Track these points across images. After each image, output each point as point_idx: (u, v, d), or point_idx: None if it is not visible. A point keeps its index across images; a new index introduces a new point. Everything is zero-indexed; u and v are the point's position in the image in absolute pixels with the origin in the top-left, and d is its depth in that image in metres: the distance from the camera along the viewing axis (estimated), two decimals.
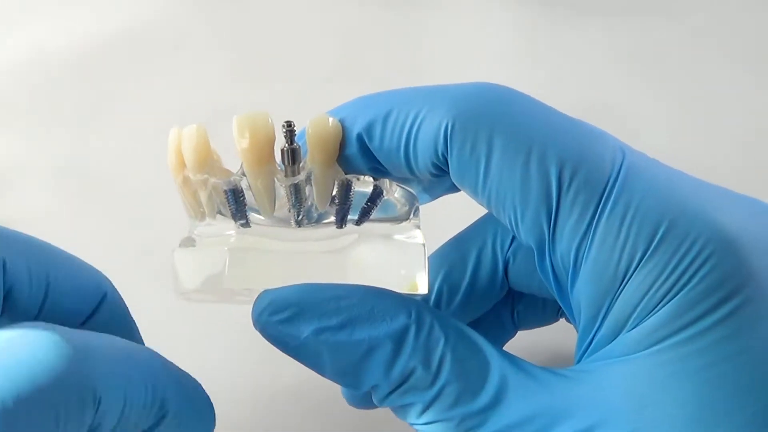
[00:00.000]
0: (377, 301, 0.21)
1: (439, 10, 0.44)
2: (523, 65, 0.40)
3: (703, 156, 0.37)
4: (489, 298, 0.27)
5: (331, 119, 0.23)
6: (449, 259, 0.27)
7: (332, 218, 0.24)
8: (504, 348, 0.28)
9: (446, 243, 0.28)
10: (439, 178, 0.23)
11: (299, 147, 0.22)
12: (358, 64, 0.42)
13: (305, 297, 0.21)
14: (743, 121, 0.38)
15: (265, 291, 0.22)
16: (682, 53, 0.40)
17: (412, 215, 0.24)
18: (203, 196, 0.23)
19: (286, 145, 0.22)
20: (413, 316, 0.21)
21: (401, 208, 0.24)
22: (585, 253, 0.20)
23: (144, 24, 0.46)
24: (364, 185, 0.24)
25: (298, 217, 0.23)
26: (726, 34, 0.41)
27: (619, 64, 0.41)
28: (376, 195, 0.24)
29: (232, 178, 0.23)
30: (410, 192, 0.24)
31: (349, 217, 0.24)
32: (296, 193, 0.23)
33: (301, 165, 0.23)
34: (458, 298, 0.27)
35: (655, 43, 0.42)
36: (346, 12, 0.44)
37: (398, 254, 0.23)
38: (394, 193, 0.24)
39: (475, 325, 0.27)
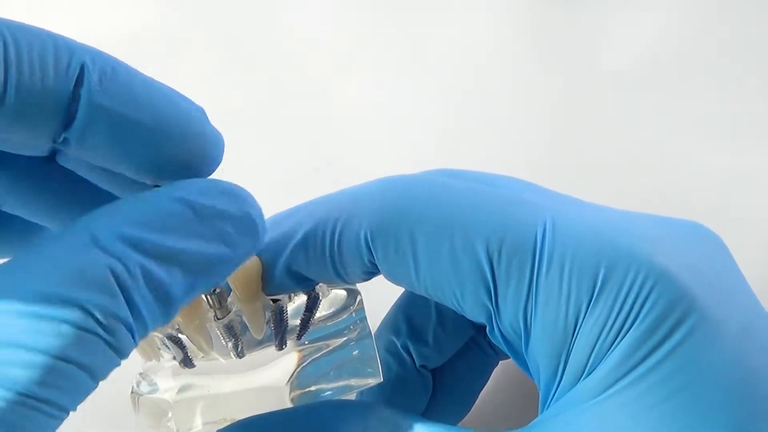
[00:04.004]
0: (317, 418, 0.21)
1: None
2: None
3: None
4: (461, 331, 0.27)
5: None
6: (413, 302, 0.27)
7: (273, 342, 0.23)
8: (494, 366, 0.29)
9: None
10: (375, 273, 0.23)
11: (223, 289, 0.22)
12: (359, 60, 0.40)
13: (250, 429, 0.21)
14: None
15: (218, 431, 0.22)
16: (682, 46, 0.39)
17: (354, 308, 0.24)
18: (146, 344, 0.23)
19: (209, 290, 0.22)
20: (359, 423, 0.21)
21: (342, 305, 0.24)
22: (532, 315, 0.21)
23: (139, 28, 0.43)
24: (297, 298, 0.23)
25: (237, 350, 0.23)
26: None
27: None
28: (313, 303, 0.23)
29: (167, 330, 0.22)
30: (349, 287, 0.24)
31: (292, 324, 0.23)
32: (229, 331, 0.22)
33: (228, 303, 0.22)
34: (429, 337, 0.27)
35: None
36: (346, 10, 0.42)
37: (347, 360, 0.23)
38: (331, 293, 0.24)
39: (457, 356, 0.28)
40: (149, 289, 0.16)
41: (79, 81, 0.16)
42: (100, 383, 0.16)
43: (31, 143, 0.17)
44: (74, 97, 0.16)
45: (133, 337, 0.16)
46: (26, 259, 0.16)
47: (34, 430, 0.15)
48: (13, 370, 0.15)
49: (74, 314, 0.15)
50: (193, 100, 0.19)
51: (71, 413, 0.16)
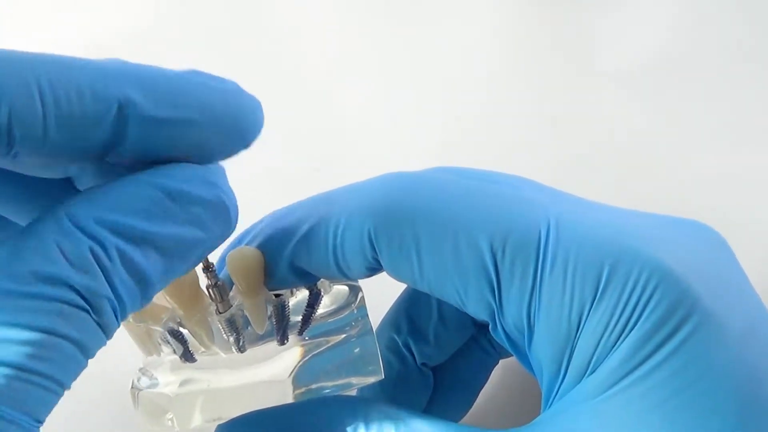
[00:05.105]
0: (318, 414, 0.22)
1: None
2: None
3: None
4: (462, 329, 0.27)
5: (250, 250, 0.22)
6: (414, 300, 0.27)
7: (275, 337, 0.23)
8: (495, 365, 0.29)
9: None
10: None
11: (224, 283, 0.22)
12: (359, 60, 0.40)
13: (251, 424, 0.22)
14: None
15: (218, 426, 0.22)
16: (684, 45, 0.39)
17: (356, 305, 0.24)
18: (147, 338, 0.23)
19: (211, 284, 0.22)
20: (361, 419, 0.21)
21: (344, 302, 0.24)
22: (536, 313, 0.21)
23: (139, 28, 0.43)
24: (299, 293, 0.23)
25: (238, 344, 0.23)
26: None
27: None
28: (314, 299, 0.23)
29: (168, 323, 0.22)
30: (351, 284, 0.24)
31: (294, 320, 0.23)
32: (231, 325, 0.22)
33: (230, 297, 0.22)
34: (430, 335, 0.27)
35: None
36: (346, 10, 0.42)
37: (348, 356, 0.23)
38: (333, 289, 0.24)
39: (458, 355, 0.28)
40: (127, 271, 0.17)
41: (125, 103, 0.17)
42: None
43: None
44: (121, 116, 0.17)
45: (116, 317, 0.17)
46: (12, 245, 0.16)
47: (34, 404, 0.15)
48: (8, 347, 0.15)
49: (61, 291, 0.16)
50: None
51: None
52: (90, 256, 0.16)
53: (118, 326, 0.17)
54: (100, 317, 0.16)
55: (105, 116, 0.16)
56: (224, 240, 0.19)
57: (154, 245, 0.17)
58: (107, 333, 0.17)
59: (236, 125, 0.18)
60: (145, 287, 0.17)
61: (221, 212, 0.18)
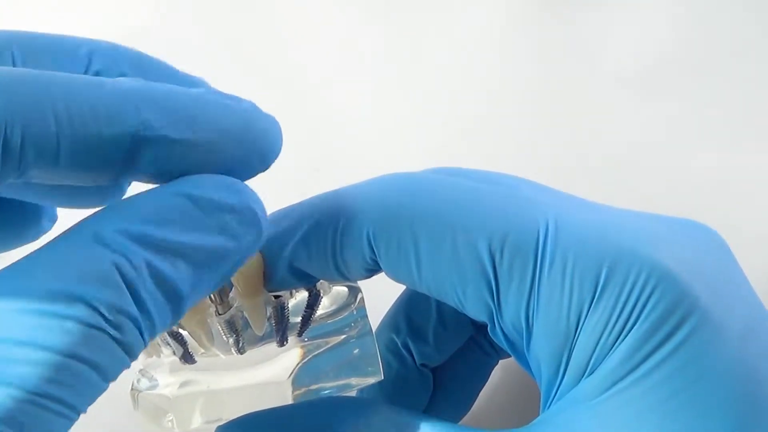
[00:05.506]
0: (319, 415, 0.22)
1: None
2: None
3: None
4: (462, 330, 0.27)
5: None
6: (414, 300, 0.27)
7: (274, 338, 0.23)
8: (494, 366, 0.29)
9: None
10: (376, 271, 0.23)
11: (225, 284, 0.22)
12: (359, 59, 0.40)
13: (251, 426, 0.22)
14: None
15: (218, 427, 0.22)
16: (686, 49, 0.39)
17: (355, 306, 0.24)
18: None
19: None
20: (360, 419, 0.21)
21: (343, 303, 0.24)
22: (534, 314, 0.21)
23: (139, 28, 0.43)
24: (299, 294, 0.23)
25: (238, 346, 0.23)
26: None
27: None
28: (314, 300, 0.23)
29: None
30: (350, 285, 0.24)
31: (293, 321, 0.23)
32: (230, 326, 0.22)
33: (230, 298, 0.22)
34: (430, 336, 0.27)
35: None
36: (347, 10, 0.42)
37: (348, 357, 0.23)
38: (333, 290, 0.24)
39: (458, 355, 0.28)
40: (155, 284, 0.16)
41: (142, 125, 0.16)
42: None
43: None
44: (137, 138, 0.16)
45: (141, 334, 0.16)
46: (30, 260, 0.16)
47: (44, 431, 0.15)
48: (21, 368, 0.14)
49: (80, 310, 0.15)
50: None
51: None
52: (114, 272, 0.15)
53: (145, 345, 0.16)
54: (123, 335, 0.15)
55: (121, 139, 0.16)
56: (255, 250, 0.18)
57: (184, 256, 0.16)
58: (131, 353, 0.16)
59: (255, 146, 0.18)
60: (175, 301, 0.16)
61: (250, 219, 0.18)
